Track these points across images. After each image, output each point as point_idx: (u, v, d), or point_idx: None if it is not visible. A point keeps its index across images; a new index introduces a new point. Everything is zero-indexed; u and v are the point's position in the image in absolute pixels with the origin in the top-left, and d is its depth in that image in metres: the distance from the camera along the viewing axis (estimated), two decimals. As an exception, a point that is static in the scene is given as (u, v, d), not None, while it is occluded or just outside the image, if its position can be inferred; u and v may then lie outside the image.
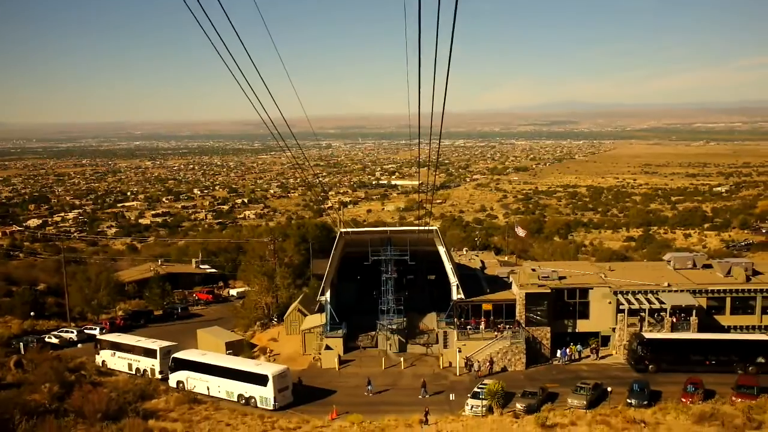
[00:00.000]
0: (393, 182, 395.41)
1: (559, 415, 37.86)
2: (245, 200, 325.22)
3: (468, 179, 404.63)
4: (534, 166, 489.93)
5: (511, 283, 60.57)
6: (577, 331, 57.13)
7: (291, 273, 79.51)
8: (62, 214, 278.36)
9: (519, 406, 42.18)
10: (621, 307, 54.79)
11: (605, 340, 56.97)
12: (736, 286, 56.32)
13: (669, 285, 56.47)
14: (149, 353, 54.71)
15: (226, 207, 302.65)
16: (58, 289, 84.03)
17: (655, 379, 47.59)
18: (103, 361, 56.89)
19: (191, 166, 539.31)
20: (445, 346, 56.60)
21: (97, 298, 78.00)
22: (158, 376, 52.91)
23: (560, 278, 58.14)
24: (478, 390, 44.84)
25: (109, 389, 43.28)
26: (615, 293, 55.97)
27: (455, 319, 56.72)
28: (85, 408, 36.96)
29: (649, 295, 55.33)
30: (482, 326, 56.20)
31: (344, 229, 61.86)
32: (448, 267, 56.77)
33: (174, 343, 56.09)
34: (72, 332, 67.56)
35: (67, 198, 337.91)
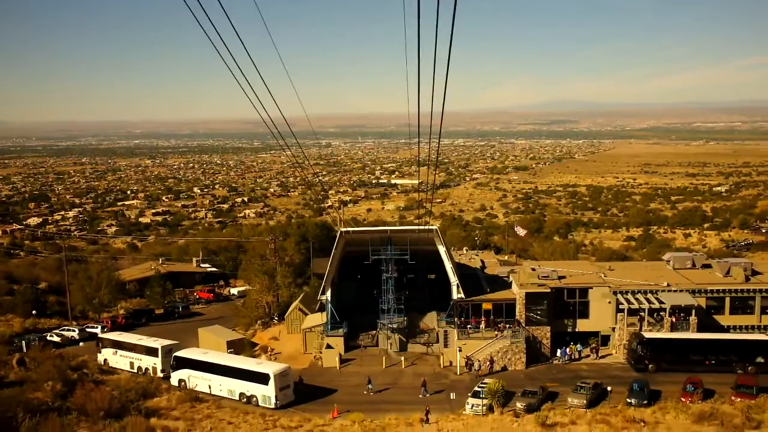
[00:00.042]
0: (393, 181, 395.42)
1: (559, 414, 38.11)
2: (245, 199, 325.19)
3: (468, 178, 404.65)
4: (534, 165, 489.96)
5: (511, 282, 60.77)
6: (576, 330, 57.33)
7: (292, 272, 79.73)
8: (62, 213, 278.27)
9: (519, 405, 42.40)
10: (621, 306, 54.99)
11: (605, 340, 57.17)
12: (735, 286, 56.50)
13: (668, 285, 56.68)
14: (151, 352, 54.90)
15: (226, 206, 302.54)
16: (59, 287, 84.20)
17: (654, 378, 47.79)
18: (105, 360, 57.08)
19: (191, 164, 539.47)
20: (446, 346, 56.81)
21: (98, 296, 78.21)
22: (160, 374, 53.09)
23: (560, 278, 58.33)
24: (479, 389, 45.03)
25: (111, 387, 43.49)
26: (615, 293, 56.16)
27: (455, 319, 56.89)
28: (88, 406, 37.17)
29: (649, 295, 55.53)
30: (482, 325, 56.41)
31: (345, 229, 62.06)
32: (448, 266, 56.96)
33: (175, 342, 56.27)
34: (73, 331, 67.75)
35: (67, 196, 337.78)
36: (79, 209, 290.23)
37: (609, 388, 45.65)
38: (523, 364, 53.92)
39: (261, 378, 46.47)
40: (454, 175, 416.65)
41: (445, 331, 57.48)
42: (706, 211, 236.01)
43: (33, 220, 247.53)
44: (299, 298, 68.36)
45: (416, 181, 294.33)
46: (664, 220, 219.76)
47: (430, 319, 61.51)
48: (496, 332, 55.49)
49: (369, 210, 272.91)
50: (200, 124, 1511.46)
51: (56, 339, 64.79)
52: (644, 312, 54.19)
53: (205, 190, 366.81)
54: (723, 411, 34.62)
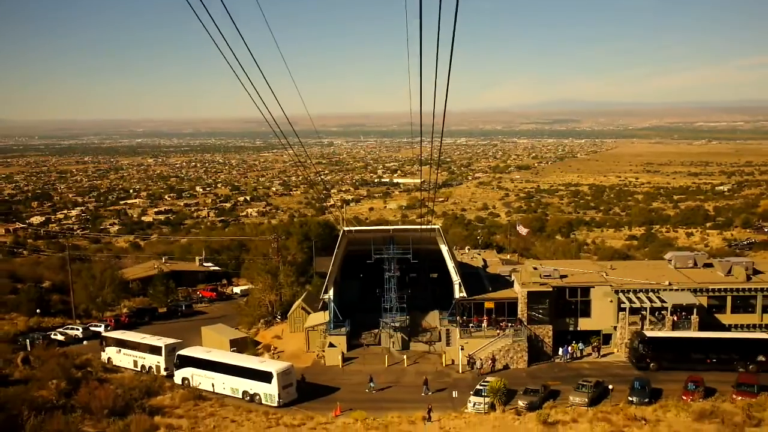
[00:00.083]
0: (395, 180, 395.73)
1: (561, 412, 38.32)
2: (247, 198, 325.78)
3: (470, 177, 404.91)
4: (536, 164, 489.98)
5: (513, 281, 60.94)
6: (578, 329, 57.46)
7: (294, 271, 79.93)
8: (65, 212, 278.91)
9: (521, 403, 42.61)
10: (622, 305, 55.14)
11: (607, 339, 57.30)
12: (736, 285, 56.61)
13: (670, 284, 56.78)
14: (154, 350, 55.12)
15: (228, 205, 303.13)
16: (63, 286, 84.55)
17: (656, 377, 47.95)
18: (109, 358, 57.31)
19: (193, 163, 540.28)
20: (448, 344, 57.02)
21: (101, 295, 78.47)
22: (163, 372, 53.29)
23: (562, 277, 58.47)
24: (481, 387, 45.17)
25: (115, 386, 43.71)
26: (616, 292, 56.30)
27: (458, 317, 57.07)
28: (92, 404, 37.42)
29: (651, 294, 55.68)
30: (484, 324, 56.56)
31: (347, 228, 62.24)
32: (451, 265, 57.13)
33: (179, 341, 56.47)
34: (77, 329, 68.01)
35: (70, 195, 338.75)
36: (82, 208, 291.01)
37: (610, 387, 45.82)
38: (525, 363, 54.09)
39: (264, 376, 46.68)
40: (456, 174, 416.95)
41: (448, 330, 57.68)
42: (709, 211, 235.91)
43: (36, 219, 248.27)
44: (302, 297, 68.58)
45: (418, 180, 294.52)
46: (667, 220, 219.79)
47: (433, 318, 61.69)
48: (498, 331, 55.65)
49: (371, 209, 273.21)
50: (202, 122, 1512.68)
51: (60, 338, 65.12)
52: (646, 311, 54.33)
53: (208, 189, 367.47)
54: (724, 409, 34.81)
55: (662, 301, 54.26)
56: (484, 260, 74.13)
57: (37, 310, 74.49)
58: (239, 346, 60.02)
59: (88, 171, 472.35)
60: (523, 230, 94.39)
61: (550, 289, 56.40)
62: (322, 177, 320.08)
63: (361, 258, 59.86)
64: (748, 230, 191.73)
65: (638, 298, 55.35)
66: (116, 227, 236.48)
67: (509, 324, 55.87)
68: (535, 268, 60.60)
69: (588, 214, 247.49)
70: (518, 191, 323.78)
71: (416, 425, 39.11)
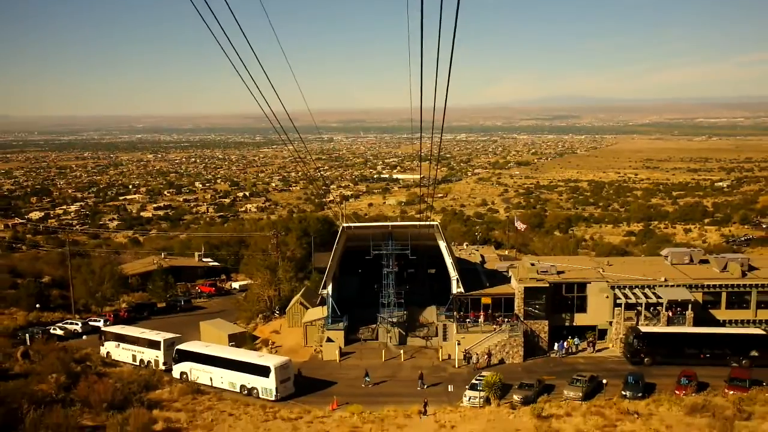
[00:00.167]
0: (394, 176, 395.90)
1: (555, 406, 38.65)
2: (247, 194, 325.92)
3: (469, 173, 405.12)
4: (535, 160, 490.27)
5: (510, 277, 61.33)
6: (574, 324, 57.82)
7: (293, 266, 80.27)
8: (64, 207, 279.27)
9: (516, 397, 43.06)
10: (618, 301, 55.60)
11: (602, 334, 57.67)
12: (731, 281, 56.98)
13: (665, 280, 57.17)
14: (153, 345, 55.50)
15: (227, 200, 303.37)
16: (62, 281, 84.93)
17: (650, 371, 48.41)
18: (108, 353, 57.66)
19: (193, 159, 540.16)
20: (445, 339, 57.35)
21: (101, 290, 78.85)
22: (162, 367, 53.69)
23: (559, 273, 58.85)
24: (476, 382, 45.68)
25: (114, 380, 44.02)
26: (612, 288, 56.67)
27: (455, 313, 57.44)
28: (91, 398, 37.73)
29: (646, 290, 56.05)
30: (481, 319, 56.94)
31: (346, 224, 62.54)
32: (449, 261, 57.48)
33: (177, 335, 56.88)
34: (76, 324, 68.46)
35: (69, 191, 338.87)
36: (81, 203, 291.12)
37: (604, 381, 46.19)
38: (520, 358, 54.51)
39: (262, 371, 47.09)
40: (455, 170, 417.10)
41: (445, 325, 58.03)
42: (707, 207, 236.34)
43: (35, 215, 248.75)
44: (300, 292, 68.93)
45: (418, 176, 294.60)
46: (665, 216, 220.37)
47: (430, 313, 62.07)
48: (494, 326, 56.06)
49: (370, 204, 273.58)
50: (202, 118, 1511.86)
51: (59, 332, 65.46)
52: (641, 306, 54.80)
53: (207, 184, 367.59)
54: (715, 403, 35.15)
55: (657, 297, 54.70)
56: (482, 256, 74.47)
57: (37, 305, 74.88)
58: (237, 340, 60.45)
59: (88, 167, 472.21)
60: (520, 225, 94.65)
61: (547, 285, 56.77)
62: (321, 173, 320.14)
63: (359, 254, 60.25)
64: (746, 226, 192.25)
65: (634, 293, 55.75)
66: (115, 223, 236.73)
67: (506, 319, 56.29)
68: (533, 264, 60.94)
69: (587, 210, 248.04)
70: (517, 187, 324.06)
71: (412, 419, 39.46)
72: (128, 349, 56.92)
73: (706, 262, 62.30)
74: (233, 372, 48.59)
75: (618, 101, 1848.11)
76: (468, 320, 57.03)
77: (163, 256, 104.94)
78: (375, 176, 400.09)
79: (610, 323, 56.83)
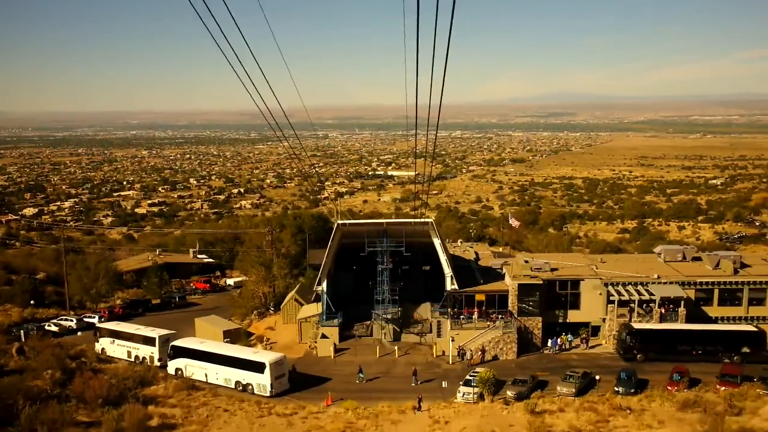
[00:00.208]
0: (389, 173, 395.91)
1: (548, 402, 38.91)
2: (241, 190, 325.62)
3: (464, 170, 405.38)
4: (530, 157, 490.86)
5: (504, 274, 61.61)
6: (568, 321, 58.21)
7: (288, 263, 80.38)
8: (58, 203, 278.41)
9: (509, 393, 43.36)
10: (611, 298, 55.95)
11: (595, 330, 58.07)
12: (723, 279, 57.43)
13: (658, 277, 57.59)
14: (148, 341, 55.62)
15: (222, 197, 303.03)
16: (57, 277, 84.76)
17: (642, 368, 48.76)
18: (103, 349, 57.75)
19: (188, 155, 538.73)
20: (439, 336, 57.66)
21: (96, 287, 78.82)
22: (157, 363, 53.79)
23: (552, 270, 59.18)
24: (470, 378, 45.93)
25: (109, 376, 44.08)
26: (606, 285, 57.05)
27: (449, 309, 57.72)
28: (87, 394, 37.81)
29: (639, 287, 56.47)
30: (475, 316, 57.26)
31: (341, 221, 62.74)
32: (443, 258, 57.74)
33: (172, 332, 56.94)
34: (71, 320, 68.41)
35: (63, 187, 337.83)
36: (75, 200, 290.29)
37: (597, 377, 46.55)
38: (514, 354, 54.81)
39: (257, 367, 47.27)
40: (450, 167, 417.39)
41: (439, 322, 58.32)
42: (701, 204, 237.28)
43: (29, 211, 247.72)
44: (295, 289, 69.07)
45: (413, 173, 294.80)
46: (659, 213, 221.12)
47: (424, 310, 62.31)
48: (488, 323, 56.35)
49: (365, 201, 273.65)
50: (197, 115, 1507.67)
51: (54, 329, 65.43)
52: (634, 303, 55.17)
53: (202, 181, 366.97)
54: (707, 399, 35.44)
55: (650, 294, 55.09)
56: (476, 253, 74.73)
57: (31, 302, 74.77)
58: (232, 337, 60.58)
59: (82, 163, 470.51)
60: (515, 222, 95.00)
61: (541, 282, 57.10)
62: (316, 169, 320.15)
63: (354, 250, 60.45)
64: (739, 224, 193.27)
65: (627, 290, 56.12)
66: (110, 219, 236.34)
67: (500, 316, 56.58)
68: (527, 261, 61.27)
69: (581, 208, 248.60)
70: (512, 184, 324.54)
71: (406, 414, 39.70)
72: (123, 345, 57.03)
73: (698, 259, 62.71)
74: (228, 368, 48.75)
75: (614, 99, 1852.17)
76: (462, 317, 57.34)
77: (157, 252, 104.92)
78: (370, 173, 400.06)
79: (604, 320, 57.22)
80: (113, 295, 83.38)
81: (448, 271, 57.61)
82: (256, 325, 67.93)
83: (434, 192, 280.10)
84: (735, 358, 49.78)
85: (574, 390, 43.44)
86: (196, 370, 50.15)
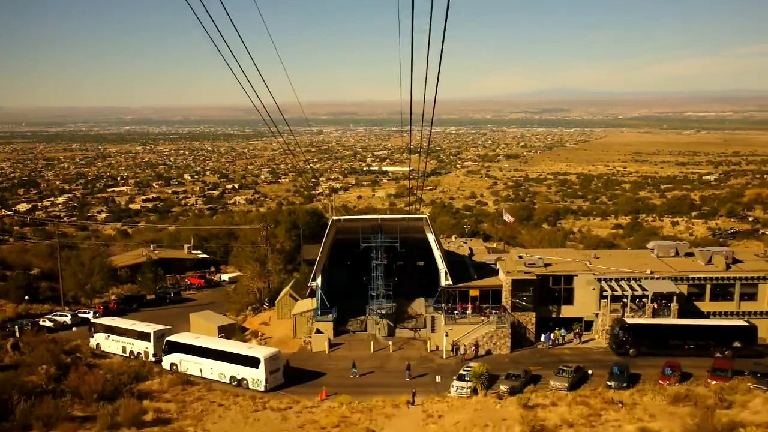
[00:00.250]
0: (384, 168, 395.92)
1: (541, 396, 39.18)
2: (236, 186, 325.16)
3: (459, 166, 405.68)
4: (525, 153, 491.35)
5: (498, 269, 61.89)
6: (561, 316, 58.56)
7: (282, 258, 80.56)
8: (52, 199, 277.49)
9: (503, 387, 43.64)
10: (604, 293, 56.27)
11: (588, 325, 58.41)
12: (716, 274, 57.85)
13: (651, 272, 57.93)
14: (143, 336, 55.69)
15: (216, 192, 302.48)
16: (51, 273, 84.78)
17: (635, 362, 49.17)
18: (98, 344, 57.77)
19: (182, 151, 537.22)
20: (433, 331, 57.89)
21: (90, 282, 78.84)
22: (152, 358, 53.88)
23: (546, 265, 59.48)
24: (464, 372, 46.24)
25: (104, 371, 44.15)
26: (599, 280, 57.37)
27: (443, 305, 57.97)
28: (82, 389, 37.90)
29: (632, 282, 56.81)
30: (469, 311, 57.56)
31: (336, 217, 62.90)
32: (437, 254, 57.96)
33: (167, 327, 57.07)
34: (66, 316, 68.46)
35: (57, 183, 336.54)
36: (69, 195, 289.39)
37: (590, 372, 46.92)
38: (507, 349, 55.13)
39: (251, 362, 47.45)
40: (445, 163, 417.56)
41: (433, 317, 58.54)
42: (695, 200, 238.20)
43: (22, 206, 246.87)
44: (290, 285, 69.21)
45: (407, 169, 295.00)
46: (653, 209, 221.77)
47: (418, 305, 62.53)
48: (482, 318, 56.64)
49: (360, 197, 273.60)
50: (192, 110, 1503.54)
51: (49, 324, 65.52)
52: (627, 298, 55.52)
53: (196, 176, 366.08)
54: (698, 393, 35.75)
55: (643, 289, 55.43)
56: (471, 249, 75.01)
57: (26, 297, 74.80)
58: (227, 332, 60.72)
59: (76, 158, 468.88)
60: (509, 218, 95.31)
61: (534, 278, 57.40)
62: (311, 165, 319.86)
63: (349, 246, 60.60)
64: (732, 219, 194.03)
65: (620, 286, 56.47)
66: (103, 215, 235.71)
67: (493, 311, 56.88)
68: (520, 257, 61.57)
69: (575, 203, 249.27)
70: (506, 180, 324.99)
71: (400, 409, 39.93)
72: (118, 340, 57.08)
73: (691, 255, 63.09)
74: (223, 363, 48.92)
75: (608, 95, 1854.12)
76: (456, 312, 57.65)
77: (152, 248, 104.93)
78: (364, 169, 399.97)
79: (597, 315, 57.54)
80: (108, 291, 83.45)
81: (442, 266, 57.86)
82: (251, 321, 68.07)
83: (429, 188, 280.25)
84: (726, 352, 50.21)
85: (566, 384, 43.79)
86: (190, 365, 50.30)
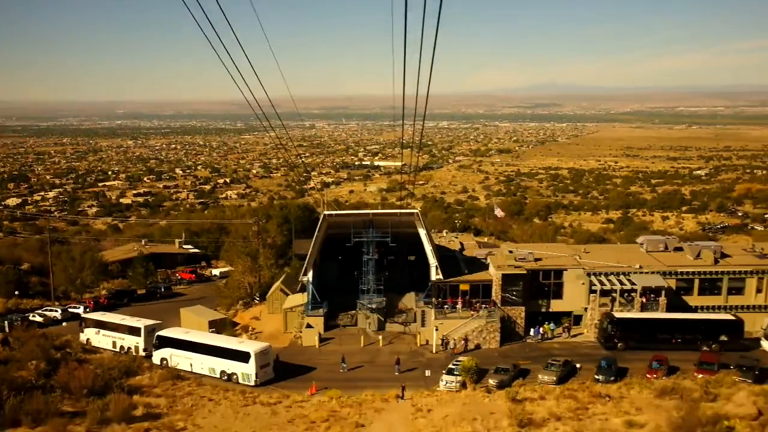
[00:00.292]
0: (376, 163, 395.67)
1: (530, 390, 39.56)
2: (227, 180, 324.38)
3: (451, 160, 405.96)
4: (517, 148, 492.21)
5: (488, 264, 62.14)
6: (550, 310, 58.89)
7: (273, 253, 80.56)
8: (42, 193, 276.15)
9: (491, 381, 43.96)
10: (593, 287, 56.60)
11: (577, 320, 58.76)
12: (704, 269, 58.32)
13: (640, 267, 58.36)
14: (133, 331, 55.67)
15: (208, 187, 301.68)
16: (42, 268, 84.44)
17: (623, 356, 49.56)
18: (88, 339, 57.73)
19: (173, 145, 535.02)
20: (423, 325, 58.10)
21: (81, 277, 78.54)
22: (142, 353, 53.87)
23: (536, 260, 59.76)
24: (453, 366, 46.48)
25: (94, 366, 44.24)
26: (588, 274, 57.70)
27: (433, 299, 58.21)
28: (72, 384, 38.00)
29: (621, 277, 57.21)
30: (459, 306, 57.82)
31: (327, 212, 62.97)
32: (428, 248, 58.18)
33: (158, 322, 57.04)
34: (56, 311, 68.26)
35: (47, 177, 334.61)
36: (60, 190, 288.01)
37: (578, 366, 47.27)
38: (497, 343, 55.42)
39: (242, 356, 47.55)
40: (437, 157, 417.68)
41: (423, 311, 58.76)
42: (685, 195, 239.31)
43: (12, 201, 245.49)
44: (281, 279, 69.30)
45: (399, 163, 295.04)
46: (644, 203, 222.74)
47: (409, 300, 62.76)
48: (472, 312, 56.91)
49: (351, 191, 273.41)
50: (183, 104, 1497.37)
51: (39, 319, 65.30)
52: (616, 293, 55.91)
53: (187, 171, 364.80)
54: (684, 386, 36.20)
55: (632, 284, 55.84)
56: (462, 243, 75.23)
57: (16, 292, 74.51)
58: (218, 327, 60.75)
59: (67, 153, 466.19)
60: (499, 213, 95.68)
61: (524, 272, 57.69)
62: (302, 159, 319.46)
63: (340, 241, 60.71)
64: (722, 214, 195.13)
65: (609, 280, 56.84)
66: (94, 209, 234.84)
67: (483, 305, 57.15)
68: (511, 252, 61.86)
69: (566, 198, 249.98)
70: (498, 174, 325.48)
71: (389, 403, 40.23)
72: (108, 335, 57.07)
73: (680, 249, 63.52)
74: (213, 358, 48.99)
75: (600, 90, 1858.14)
76: (446, 306, 57.90)
77: (143, 242, 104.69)
78: (356, 163, 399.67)
79: (586, 309, 57.90)
80: (98, 286, 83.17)
81: (433, 261, 58.09)
82: (242, 315, 68.14)
83: (420, 182, 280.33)
84: (713, 346, 50.75)
85: (555, 378, 44.11)
86: (181, 360, 50.36)
